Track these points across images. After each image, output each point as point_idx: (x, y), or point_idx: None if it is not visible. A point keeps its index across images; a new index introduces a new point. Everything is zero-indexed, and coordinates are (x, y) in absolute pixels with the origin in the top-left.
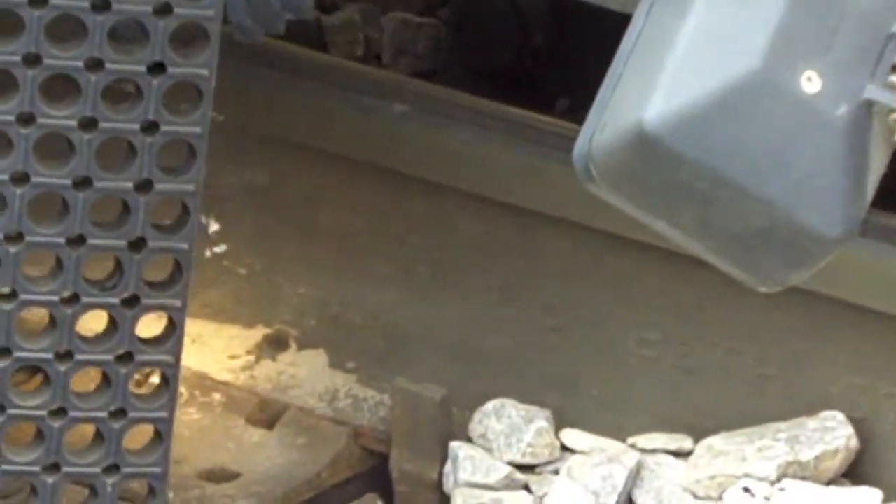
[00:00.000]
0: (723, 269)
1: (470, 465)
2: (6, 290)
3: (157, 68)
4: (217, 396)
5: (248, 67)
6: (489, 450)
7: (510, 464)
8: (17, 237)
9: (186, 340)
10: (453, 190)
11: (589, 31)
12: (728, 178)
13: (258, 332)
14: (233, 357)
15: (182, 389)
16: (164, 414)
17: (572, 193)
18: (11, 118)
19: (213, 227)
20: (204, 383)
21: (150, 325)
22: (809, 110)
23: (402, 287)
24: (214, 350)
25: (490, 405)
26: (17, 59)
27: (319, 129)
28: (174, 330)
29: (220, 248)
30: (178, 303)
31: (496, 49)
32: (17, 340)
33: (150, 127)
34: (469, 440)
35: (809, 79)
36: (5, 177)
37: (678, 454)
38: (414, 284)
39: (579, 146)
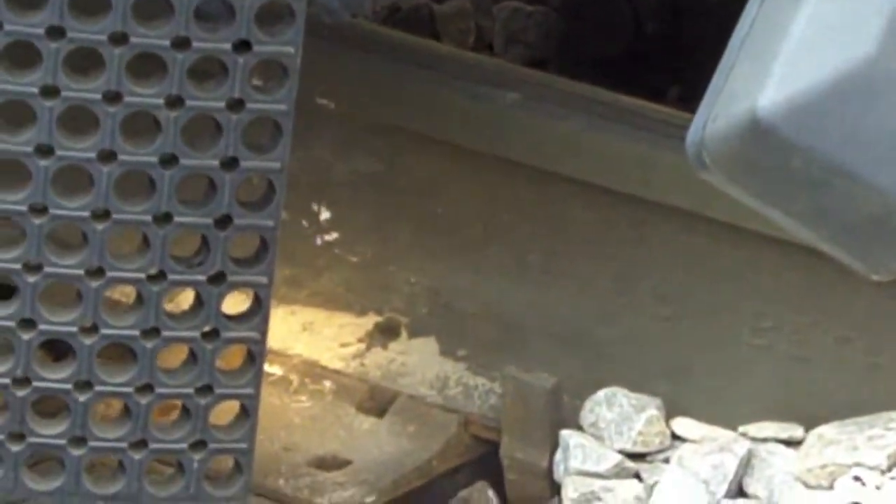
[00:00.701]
0: (836, 257)
1: (581, 453)
2: (93, 267)
3: (243, 46)
4: (328, 384)
5: (360, 55)
6: (600, 438)
7: (621, 452)
8: (103, 215)
9: (297, 328)
10: (565, 178)
11: (701, 18)
12: (842, 165)
13: (369, 320)
14: (344, 345)
15: (293, 377)
16: (250, 390)
17: (685, 182)
18: (98, 96)
19: (325, 214)
20: (315, 371)
21: (235, 302)
22: None
23: (514, 276)
24: (325, 338)
25: (601, 393)
26: (104, 38)
27: (431, 117)
28: (260, 307)
29: (332, 236)
30: (264, 279)
31: (607, 37)
32: (105, 317)
33: (236, 105)
34: (580, 429)
35: None
36: (92, 155)
37: (789, 443)
38: (526, 273)
39: (692, 134)
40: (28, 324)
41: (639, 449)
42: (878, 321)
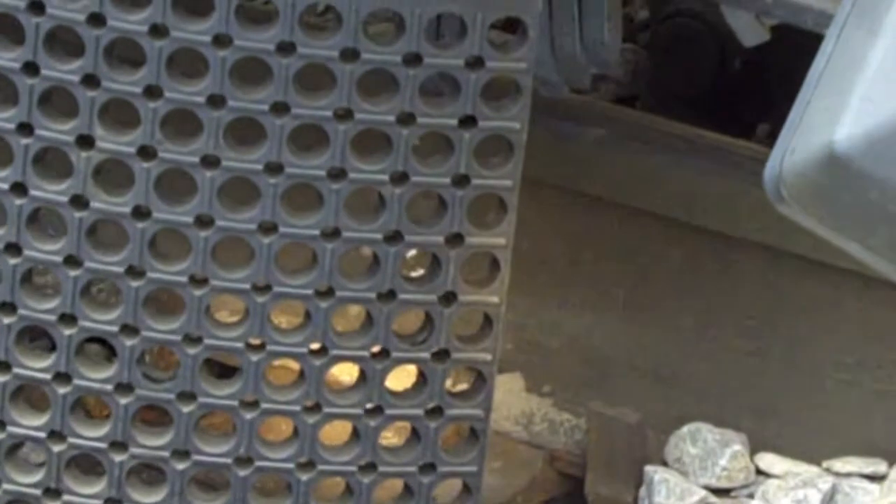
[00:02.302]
0: None
1: (665, 488)
2: (316, 346)
3: (469, 122)
4: None
5: None
6: (684, 473)
7: (705, 487)
8: (327, 292)
9: None
10: (650, 214)
11: (788, 53)
12: None
13: None
14: None
15: None
16: (473, 468)
17: (770, 218)
18: (322, 173)
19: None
20: None
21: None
22: None
23: (599, 311)
24: None
25: (685, 429)
26: (329, 114)
27: None
28: (484, 384)
29: (417, 273)
30: (488, 357)
31: (695, 73)
32: (327, 395)
33: (462, 180)
34: (664, 464)
35: None
36: (316, 232)
37: (873, 478)
38: (610, 309)
39: (770, 168)
40: (252, 406)
41: (723, 484)
42: None
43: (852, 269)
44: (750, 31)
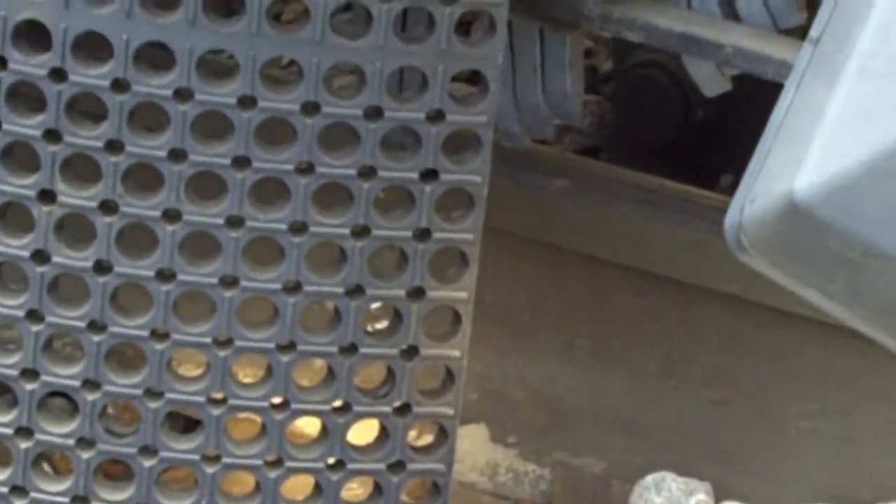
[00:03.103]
0: (874, 337)
1: None
2: (278, 399)
3: (430, 175)
4: None
5: None
6: None
7: None
8: (289, 346)
9: None
10: (613, 264)
11: (751, 105)
12: (878, 246)
13: None
14: None
15: None
16: None
17: (733, 267)
18: (284, 227)
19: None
20: None
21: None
22: None
23: (563, 361)
24: None
25: (650, 478)
26: (290, 167)
27: None
28: (446, 438)
29: (379, 327)
30: (450, 411)
31: (658, 125)
32: (289, 449)
33: (423, 234)
34: None
35: None
36: (278, 286)
37: None
38: (575, 359)
39: (730, 217)
40: (214, 460)
41: None
42: None
43: (814, 317)
44: (711, 81)
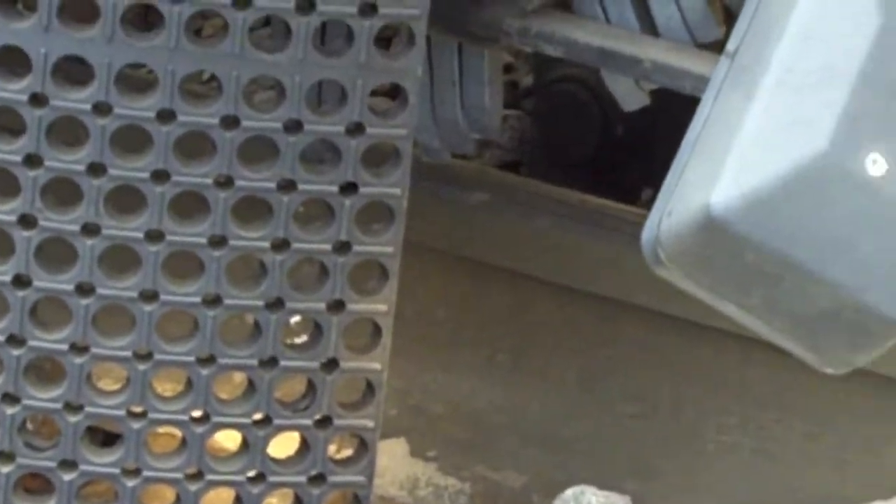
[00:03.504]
0: (790, 350)
1: None
2: (198, 413)
3: (350, 188)
4: None
5: None
6: None
7: None
8: (209, 359)
9: None
10: (533, 279)
11: (671, 120)
12: (794, 260)
13: None
14: None
15: None
16: None
17: (652, 281)
18: (204, 241)
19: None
20: None
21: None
22: (874, 192)
23: (484, 375)
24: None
25: (570, 492)
26: (209, 181)
27: None
28: (366, 450)
29: (299, 340)
30: (370, 423)
31: (579, 140)
32: (209, 462)
33: (343, 247)
34: None
35: (875, 161)
36: (197, 299)
37: None
38: (495, 373)
39: (647, 231)
40: (134, 474)
41: None
42: (843, 416)
43: (733, 331)
44: (630, 96)
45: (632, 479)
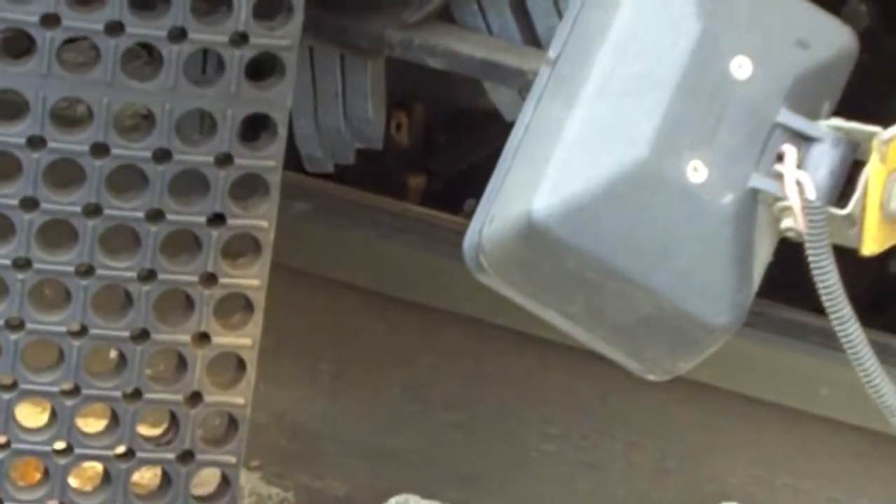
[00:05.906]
0: (613, 357)
1: None
2: (61, 444)
3: (217, 220)
4: None
5: None
6: None
7: None
8: (73, 390)
9: None
10: (355, 288)
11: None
12: (615, 267)
13: None
14: None
15: None
16: None
17: (474, 290)
18: (71, 269)
19: None
20: None
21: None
22: (695, 199)
23: (306, 385)
24: None
25: (393, 501)
26: (78, 209)
27: None
28: (228, 487)
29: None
30: (232, 459)
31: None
32: (72, 496)
33: (209, 279)
34: None
35: (695, 168)
36: (63, 329)
37: None
38: (318, 382)
39: (469, 238)
40: None
41: None
42: (666, 426)
43: (556, 339)
44: (513, 106)
45: (455, 487)
